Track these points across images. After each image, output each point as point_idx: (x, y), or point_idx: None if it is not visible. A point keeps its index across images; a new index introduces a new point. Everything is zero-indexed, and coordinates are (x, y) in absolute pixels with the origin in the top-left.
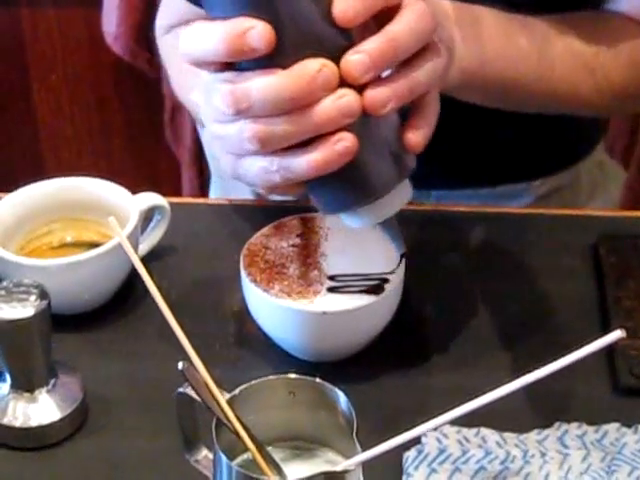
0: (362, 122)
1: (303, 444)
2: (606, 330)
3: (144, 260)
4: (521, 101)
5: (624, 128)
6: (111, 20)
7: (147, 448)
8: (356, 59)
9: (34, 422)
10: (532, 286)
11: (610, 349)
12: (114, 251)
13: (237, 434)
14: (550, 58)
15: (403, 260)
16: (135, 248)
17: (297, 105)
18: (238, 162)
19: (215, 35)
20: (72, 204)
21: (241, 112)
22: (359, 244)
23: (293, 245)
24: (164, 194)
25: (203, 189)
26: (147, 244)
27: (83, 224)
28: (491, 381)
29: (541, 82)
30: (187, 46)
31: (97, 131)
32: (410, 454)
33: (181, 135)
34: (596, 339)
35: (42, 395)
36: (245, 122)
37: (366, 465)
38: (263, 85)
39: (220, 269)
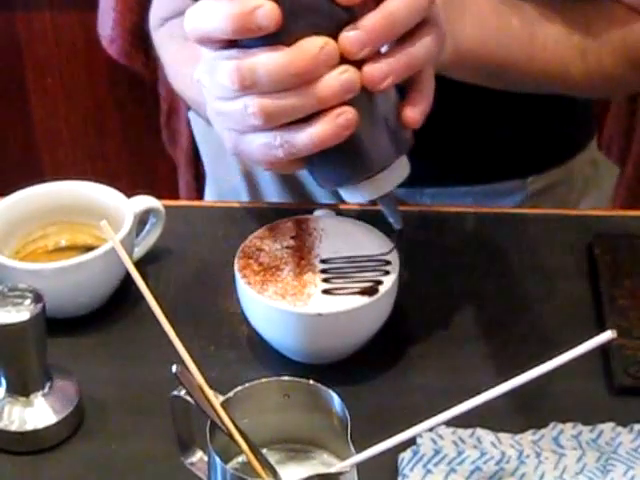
0: (362, 97)
1: (298, 446)
2: (601, 329)
3: (139, 263)
4: (513, 80)
5: (620, 128)
6: (107, 23)
7: (143, 451)
8: (353, 35)
9: (30, 426)
10: (527, 286)
11: (605, 349)
12: (108, 255)
13: (231, 437)
14: (541, 39)
15: (394, 252)
16: (130, 251)
17: (301, 81)
18: (240, 138)
19: (222, 13)
20: (67, 208)
21: (246, 88)
22: (353, 246)
23: (287, 247)
24: (161, 196)
25: (199, 191)
26: (142, 247)
27: (78, 228)
28: (486, 381)
29: (532, 62)
30: (193, 23)
31: (93, 134)
32: (405, 455)
33: (177, 137)
34: (591, 338)
35: (38, 399)
36: (250, 98)
37: (361, 467)
38: (268, 61)
39: (215, 271)
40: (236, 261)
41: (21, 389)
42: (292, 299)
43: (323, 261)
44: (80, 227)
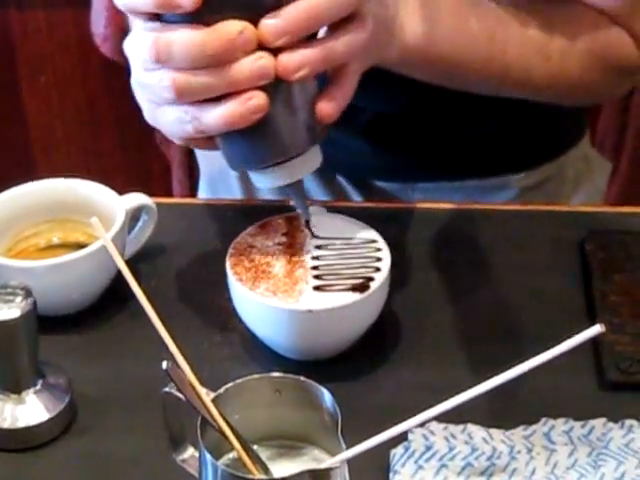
0: (277, 85)
1: (289, 442)
2: (593, 325)
3: (132, 260)
4: (469, 82)
5: (614, 125)
6: (100, 21)
7: (134, 448)
8: (272, 23)
9: (21, 423)
10: (519, 282)
11: (597, 345)
12: (100, 252)
13: (222, 433)
14: (502, 41)
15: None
16: (122, 249)
17: (215, 62)
18: (157, 110)
19: None
20: (59, 205)
21: (161, 62)
22: (344, 242)
23: (279, 244)
24: (155, 194)
25: (193, 189)
26: (134, 244)
27: (70, 225)
28: (477, 377)
29: (491, 64)
30: None
31: (87, 132)
32: (397, 451)
33: None
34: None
35: (29, 396)
36: (165, 71)
37: (352, 462)
38: (185, 39)
39: (207, 269)
40: (227, 258)
41: (13, 386)
42: (283, 296)
43: (314, 258)
44: (72, 224)
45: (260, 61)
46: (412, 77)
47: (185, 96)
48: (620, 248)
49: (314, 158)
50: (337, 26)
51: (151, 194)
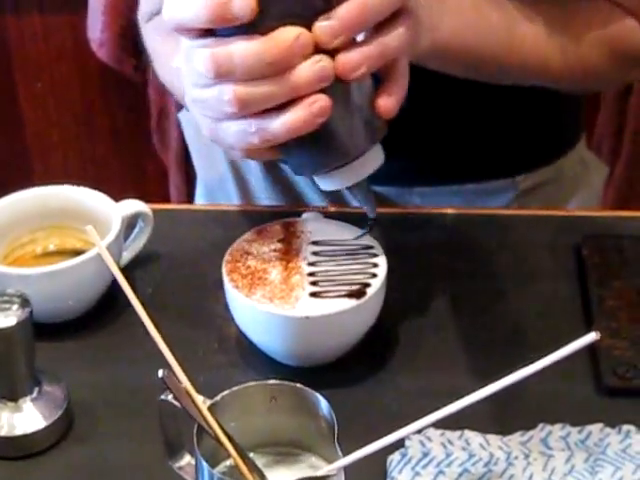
0: (336, 86)
1: (285, 449)
2: (590, 330)
3: (128, 267)
4: (490, 73)
5: (611, 128)
6: (96, 27)
7: (131, 455)
8: (326, 25)
9: (19, 431)
10: (516, 286)
11: (594, 350)
12: (96, 259)
13: (218, 440)
14: (520, 34)
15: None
16: (118, 255)
17: (275, 69)
18: (217, 125)
19: (199, 2)
20: (55, 212)
21: (221, 75)
22: (341, 249)
23: (275, 250)
24: (152, 200)
25: (190, 195)
26: (131, 251)
27: (66, 232)
28: (474, 383)
29: (511, 55)
30: (171, 12)
31: (84, 138)
32: (394, 457)
33: (168, 140)
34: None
35: (26, 404)
36: (225, 85)
37: (349, 469)
38: (244, 50)
39: (204, 275)
40: (224, 265)
41: (9, 394)
42: (280, 302)
43: (311, 264)
44: (69, 231)
45: (319, 64)
46: (437, 70)
47: (248, 108)
48: (617, 252)
49: (377, 156)
50: (387, 21)
51: (148, 200)
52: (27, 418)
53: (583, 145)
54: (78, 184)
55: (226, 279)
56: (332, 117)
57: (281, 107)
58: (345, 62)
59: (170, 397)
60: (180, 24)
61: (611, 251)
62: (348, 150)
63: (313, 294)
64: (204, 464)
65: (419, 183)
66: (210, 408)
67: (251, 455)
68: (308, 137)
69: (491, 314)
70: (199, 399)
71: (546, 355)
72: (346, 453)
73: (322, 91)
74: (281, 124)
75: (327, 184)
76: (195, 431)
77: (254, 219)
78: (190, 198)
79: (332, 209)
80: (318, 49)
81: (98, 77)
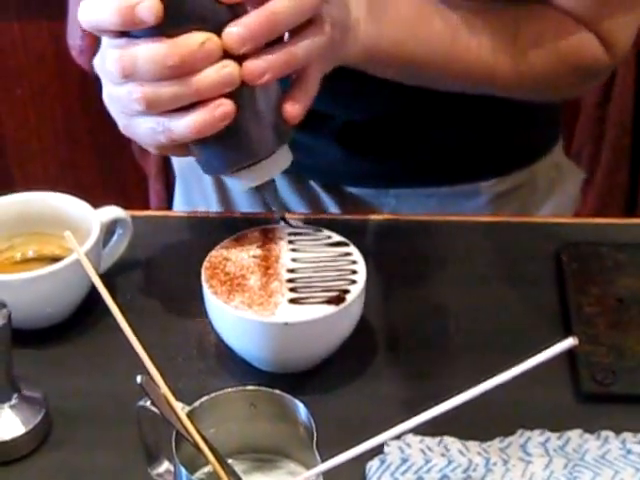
0: (243, 90)
1: (264, 456)
2: (568, 336)
3: (107, 273)
4: (433, 79)
5: (590, 136)
6: (76, 33)
7: (110, 461)
8: (234, 32)
9: None
10: (494, 293)
11: (572, 356)
12: (75, 266)
13: (197, 447)
14: (464, 41)
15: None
16: (97, 262)
17: (180, 73)
18: (129, 121)
19: (109, 6)
20: (34, 219)
21: (128, 76)
22: (320, 255)
23: (254, 256)
24: (132, 206)
25: (170, 201)
26: (110, 257)
27: (45, 238)
28: (453, 389)
29: (455, 63)
30: (86, 14)
31: (64, 144)
32: (373, 464)
33: None
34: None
35: (5, 410)
36: (133, 85)
37: (329, 476)
38: (148, 53)
39: (183, 282)
40: (203, 271)
41: None
42: (259, 308)
43: (290, 270)
44: (48, 238)
45: (225, 69)
46: (381, 76)
47: (154, 107)
48: (595, 259)
49: (284, 158)
50: (297, 31)
51: (128, 206)
52: (6, 424)
53: (559, 151)
54: (58, 191)
55: (205, 285)
56: (238, 120)
57: (188, 108)
58: (251, 69)
59: (148, 403)
60: (95, 26)
61: (590, 258)
62: (254, 151)
63: (292, 300)
64: (183, 471)
65: (395, 185)
66: (189, 414)
67: (230, 461)
68: (215, 138)
69: (469, 321)
70: (178, 405)
71: (523, 362)
72: (325, 459)
73: (229, 94)
74: (185, 125)
75: (236, 183)
76: (174, 437)
77: (233, 226)
78: (170, 203)
79: (312, 216)
80: (227, 54)
81: (78, 84)
